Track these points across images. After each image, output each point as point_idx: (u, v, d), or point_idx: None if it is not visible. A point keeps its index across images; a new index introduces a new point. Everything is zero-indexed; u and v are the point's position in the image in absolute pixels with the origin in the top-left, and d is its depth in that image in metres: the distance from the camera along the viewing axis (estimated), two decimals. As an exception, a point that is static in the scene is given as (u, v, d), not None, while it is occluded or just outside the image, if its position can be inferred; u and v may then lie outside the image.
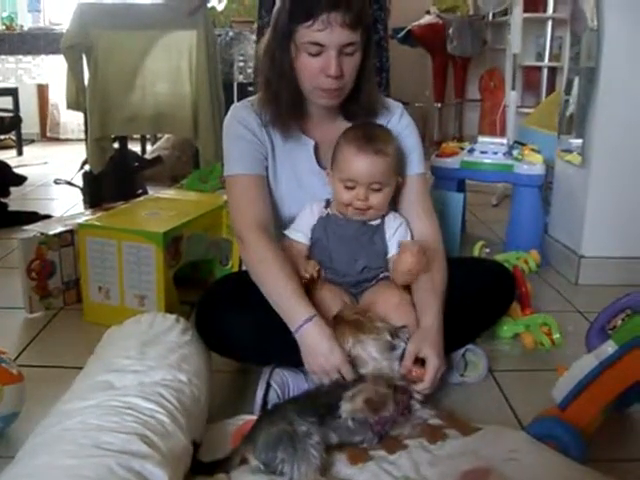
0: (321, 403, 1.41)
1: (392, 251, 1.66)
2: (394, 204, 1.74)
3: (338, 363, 1.47)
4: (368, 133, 1.62)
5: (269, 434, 1.33)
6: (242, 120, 1.70)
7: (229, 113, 1.74)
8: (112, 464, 1.08)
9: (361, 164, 1.59)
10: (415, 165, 1.76)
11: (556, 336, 2.01)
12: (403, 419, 1.45)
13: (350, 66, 1.57)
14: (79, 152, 4.34)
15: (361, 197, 1.60)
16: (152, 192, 3.22)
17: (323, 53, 1.53)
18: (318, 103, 1.65)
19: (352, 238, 1.66)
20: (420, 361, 1.51)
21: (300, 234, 1.69)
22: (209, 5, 3.48)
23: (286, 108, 1.65)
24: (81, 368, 1.50)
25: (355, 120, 1.71)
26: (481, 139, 2.96)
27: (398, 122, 1.76)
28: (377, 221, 1.67)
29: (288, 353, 1.54)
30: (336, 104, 1.66)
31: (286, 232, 1.71)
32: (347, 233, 1.66)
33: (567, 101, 2.71)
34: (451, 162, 2.91)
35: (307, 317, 1.50)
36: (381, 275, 1.69)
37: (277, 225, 1.73)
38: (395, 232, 1.66)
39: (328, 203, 1.70)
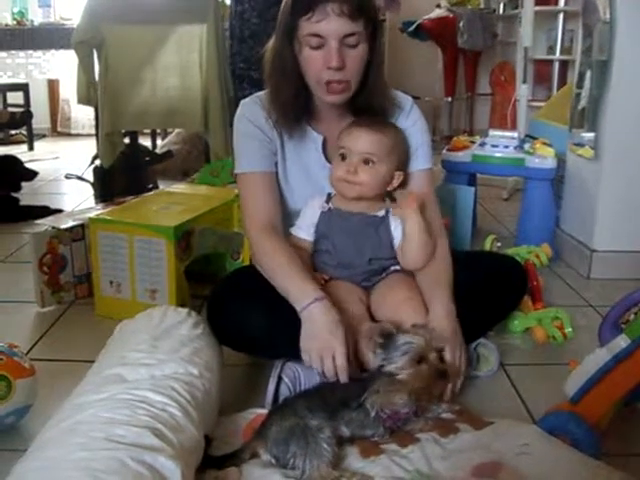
0: (334, 398, 1.41)
1: (399, 239, 1.66)
2: None
3: (337, 346, 1.45)
4: (372, 118, 1.67)
5: (281, 428, 1.32)
6: (250, 117, 1.71)
7: (238, 110, 1.75)
8: (124, 457, 1.08)
9: (356, 134, 1.63)
10: (422, 160, 1.76)
11: (568, 330, 2.01)
12: (416, 421, 1.45)
13: (353, 58, 1.57)
14: (90, 147, 4.35)
15: (351, 168, 1.62)
16: (163, 186, 3.24)
17: (325, 46, 1.54)
18: (325, 100, 1.65)
19: (356, 230, 1.67)
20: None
21: (303, 231, 1.71)
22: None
23: (292, 106, 1.66)
24: (93, 362, 1.50)
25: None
26: (492, 133, 2.95)
27: (407, 118, 1.76)
28: (381, 212, 1.68)
29: (299, 348, 1.54)
30: (343, 101, 1.65)
31: (291, 230, 1.73)
32: (351, 225, 1.67)
33: (579, 94, 2.69)
34: (462, 156, 2.90)
35: (317, 297, 1.51)
36: (392, 268, 1.70)
37: (286, 219, 1.75)
38: (400, 222, 1.66)
39: (329, 197, 1.71)
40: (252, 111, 1.71)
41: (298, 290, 1.54)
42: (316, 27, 1.52)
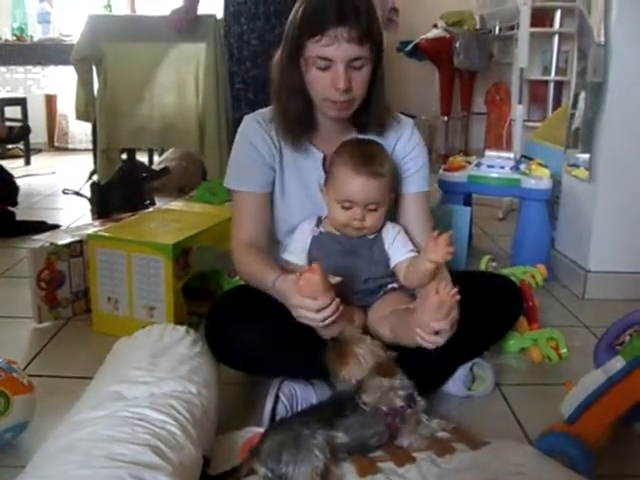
0: (329, 411, 1.42)
1: (395, 259, 1.67)
2: (393, 216, 1.75)
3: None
4: (364, 152, 1.63)
5: (274, 441, 1.34)
6: (249, 135, 1.72)
7: (241, 125, 1.76)
8: (124, 475, 1.08)
9: (358, 186, 1.60)
10: (421, 183, 1.78)
11: (563, 351, 2.02)
12: (411, 413, 1.46)
13: (359, 80, 1.58)
14: (87, 162, 4.35)
15: (358, 217, 1.61)
16: (159, 203, 3.24)
17: (332, 67, 1.55)
18: (329, 115, 1.67)
19: (349, 253, 1.67)
20: None
21: (295, 256, 1.70)
22: (219, 17, 3.47)
23: (296, 121, 1.67)
24: (90, 378, 1.51)
25: (366, 132, 1.72)
26: (488, 153, 2.97)
27: (408, 140, 1.77)
28: (373, 234, 1.68)
29: (297, 366, 1.55)
30: (347, 116, 1.67)
31: (283, 255, 1.73)
32: (344, 248, 1.67)
33: (573, 115, 2.72)
34: (458, 176, 2.91)
35: (274, 278, 1.55)
36: (389, 286, 1.70)
37: (285, 237, 1.76)
38: (394, 240, 1.68)
39: (319, 221, 1.71)
40: (253, 130, 1.72)
41: (264, 279, 1.59)
42: (324, 51, 1.53)
